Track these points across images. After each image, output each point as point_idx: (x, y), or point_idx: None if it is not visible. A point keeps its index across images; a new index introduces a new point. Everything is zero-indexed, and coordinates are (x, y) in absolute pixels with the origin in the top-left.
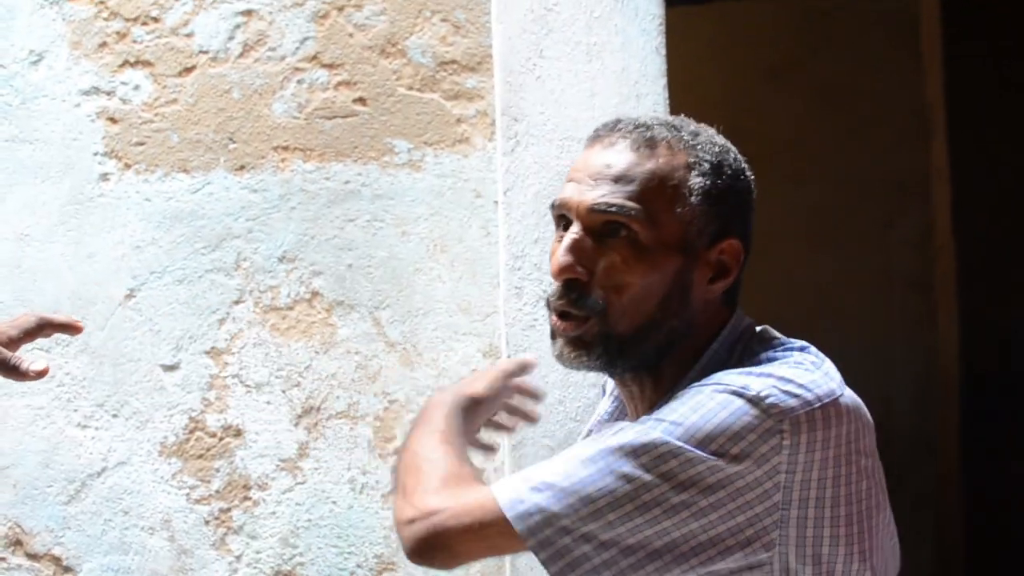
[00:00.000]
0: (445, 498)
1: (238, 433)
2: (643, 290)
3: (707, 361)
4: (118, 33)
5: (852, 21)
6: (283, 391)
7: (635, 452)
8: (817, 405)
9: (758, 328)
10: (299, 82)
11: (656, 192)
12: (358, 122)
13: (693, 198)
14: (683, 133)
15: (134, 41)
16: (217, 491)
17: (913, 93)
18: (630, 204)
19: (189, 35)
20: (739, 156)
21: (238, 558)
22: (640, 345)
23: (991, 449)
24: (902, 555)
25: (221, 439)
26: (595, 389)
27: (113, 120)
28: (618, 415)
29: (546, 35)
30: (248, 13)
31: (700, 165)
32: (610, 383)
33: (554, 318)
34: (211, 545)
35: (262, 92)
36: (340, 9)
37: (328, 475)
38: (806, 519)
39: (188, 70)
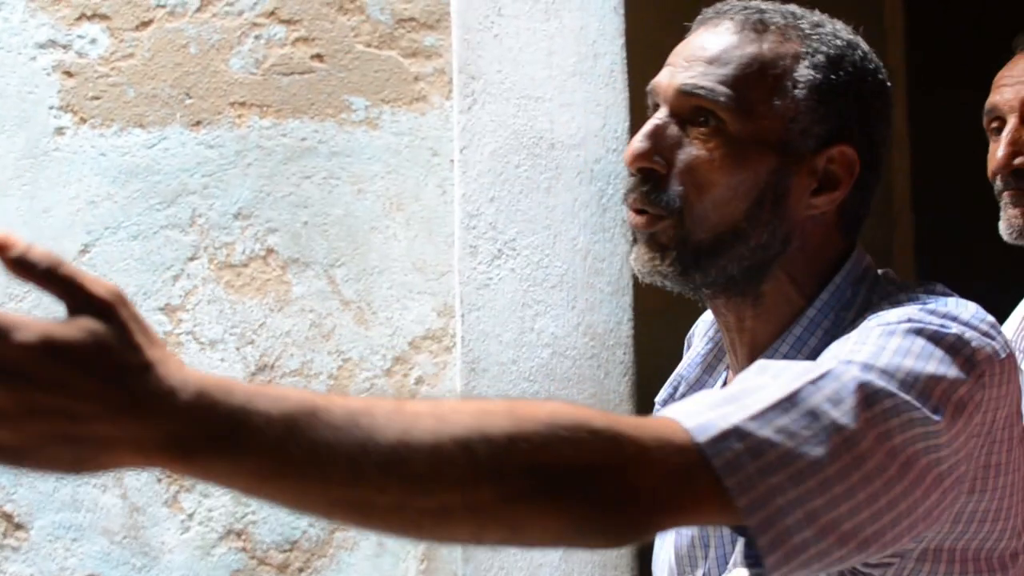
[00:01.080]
0: (641, 465)
1: None
2: (728, 190)
3: (828, 297)
4: None
5: None
6: (237, 348)
7: (858, 405)
8: (1004, 355)
9: (879, 271)
10: (256, 38)
11: (754, 79)
12: (315, 79)
13: (798, 91)
14: (802, 21)
15: None
16: None
17: None
18: (721, 88)
19: None
20: (871, 56)
21: (190, 516)
22: (720, 257)
23: None
24: None
25: None
26: (548, 349)
27: (69, 74)
28: (713, 358)
29: None
30: None
31: (813, 56)
32: (701, 327)
33: (631, 214)
34: (163, 503)
35: (219, 47)
36: None
37: None
38: (972, 491)
39: (145, 24)
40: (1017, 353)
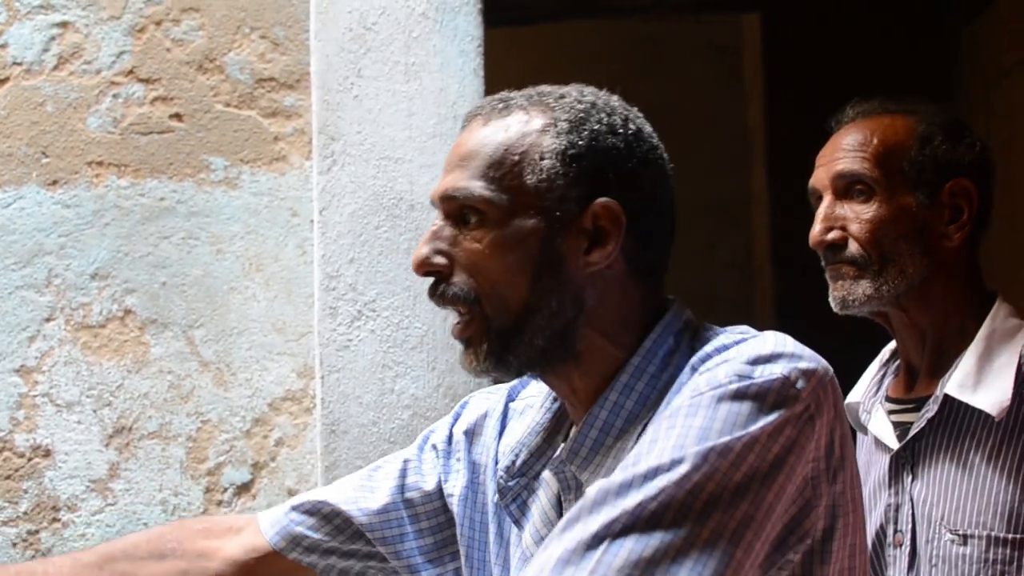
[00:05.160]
0: None
1: (47, 453)
2: (508, 273)
3: (651, 345)
4: None
5: (677, 47)
6: (94, 411)
7: (681, 512)
8: (828, 378)
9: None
10: (115, 96)
11: (501, 163)
12: (174, 138)
13: (546, 161)
14: (546, 96)
15: None
16: (25, 513)
17: (735, 119)
18: (474, 184)
19: (2, 46)
20: (620, 111)
21: None
22: (523, 334)
23: None
24: None
25: (30, 459)
26: (409, 410)
27: None
28: (553, 427)
29: (364, 54)
30: (64, 25)
31: (556, 125)
32: (478, 402)
33: (453, 325)
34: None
35: (77, 106)
36: (158, 23)
37: (139, 496)
38: (826, 508)
39: (1, 82)
40: (863, 413)
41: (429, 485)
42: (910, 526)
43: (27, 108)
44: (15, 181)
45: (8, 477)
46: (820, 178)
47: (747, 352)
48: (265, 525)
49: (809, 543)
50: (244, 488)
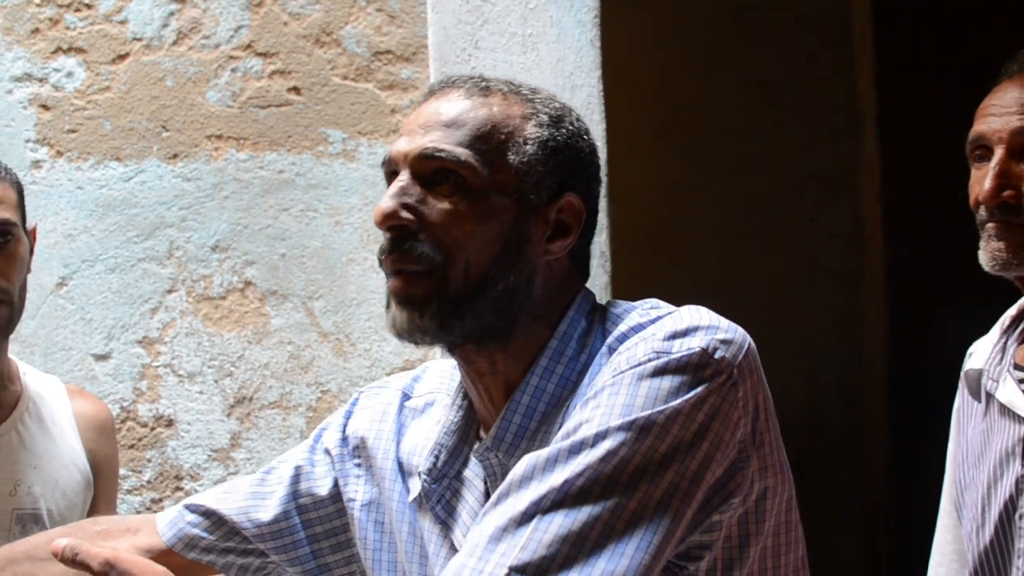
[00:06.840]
0: None
1: (170, 423)
2: (479, 240)
3: (567, 327)
4: (51, 19)
5: (784, 16)
6: (215, 381)
7: (608, 486)
8: (746, 345)
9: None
10: (233, 71)
11: (489, 137)
12: (292, 111)
13: (529, 147)
14: (521, 88)
15: (67, 28)
16: (149, 481)
17: (844, 88)
18: (460, 149)
19: (123, 22)
20: (581, 119)
21: None
22: (476, 304)
23: (917, 442)
24: (831, 547)
25: (153, 429)
26: None
27: (45, 107)
28: (465, 425)
29: (481, 26)
30: (182, 0)
31: (537, 116)
32: (370, 401)
33: (391, 280)
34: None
35: (196, 80)
36: None
37: (261, 465)
38: (757, 471)
39: (122, 57)
40: (989, 381)
41: (322, 491)
42: None
43: (147, 83)
44: (136, 155)
45: (132, 446)
46: (994, 130)
47: (664, 328)
48: (162, 525)
49: (740, 505)
50: None
